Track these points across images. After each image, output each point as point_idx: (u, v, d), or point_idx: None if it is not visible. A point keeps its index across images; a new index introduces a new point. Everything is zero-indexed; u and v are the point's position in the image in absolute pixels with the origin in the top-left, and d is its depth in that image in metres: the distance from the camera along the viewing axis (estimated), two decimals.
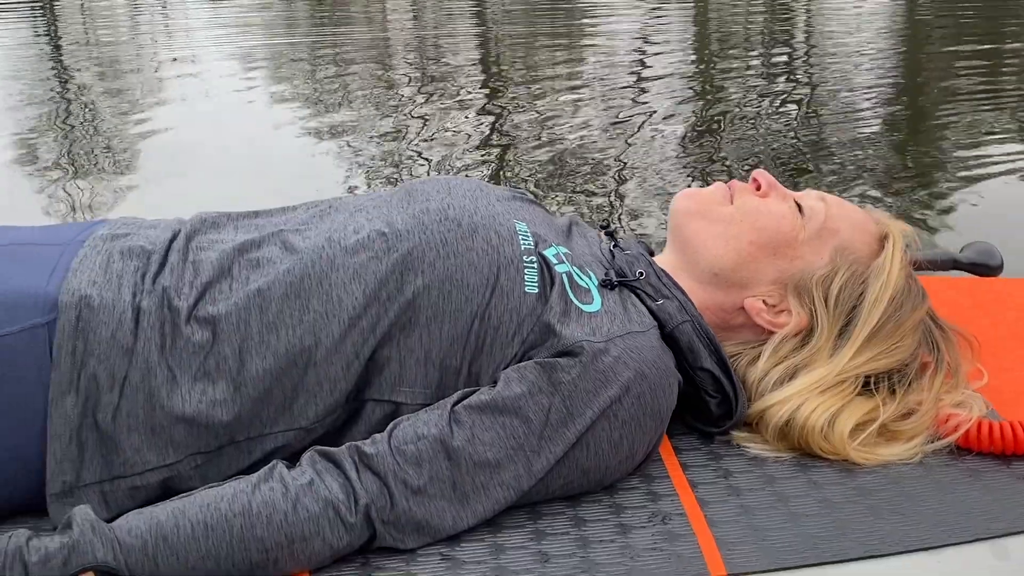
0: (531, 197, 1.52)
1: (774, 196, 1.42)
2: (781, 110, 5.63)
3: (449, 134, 5.27)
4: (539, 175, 4.57)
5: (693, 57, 7.39)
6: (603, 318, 1.28)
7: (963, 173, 4.50)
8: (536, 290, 1.28)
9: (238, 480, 1.18)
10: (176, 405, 1.23)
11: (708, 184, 1.46)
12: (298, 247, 1.32)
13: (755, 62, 7.20)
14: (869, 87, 6.16)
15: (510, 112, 5.72)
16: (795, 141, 5.05)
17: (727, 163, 4.70)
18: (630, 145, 4.99)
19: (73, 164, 4.99)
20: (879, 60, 7.07)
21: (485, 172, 4.63)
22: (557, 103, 5.85)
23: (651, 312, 1.34)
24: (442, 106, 5.81)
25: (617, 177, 4.55)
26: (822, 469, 1.30)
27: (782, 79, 6.50)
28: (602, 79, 6.54)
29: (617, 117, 5.53)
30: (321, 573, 1.17)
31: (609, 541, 1.19)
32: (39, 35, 9.06)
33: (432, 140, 5.17)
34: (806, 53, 7.60)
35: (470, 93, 6.24)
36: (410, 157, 4.89)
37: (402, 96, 6.18)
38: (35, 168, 4.89)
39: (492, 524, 1.22)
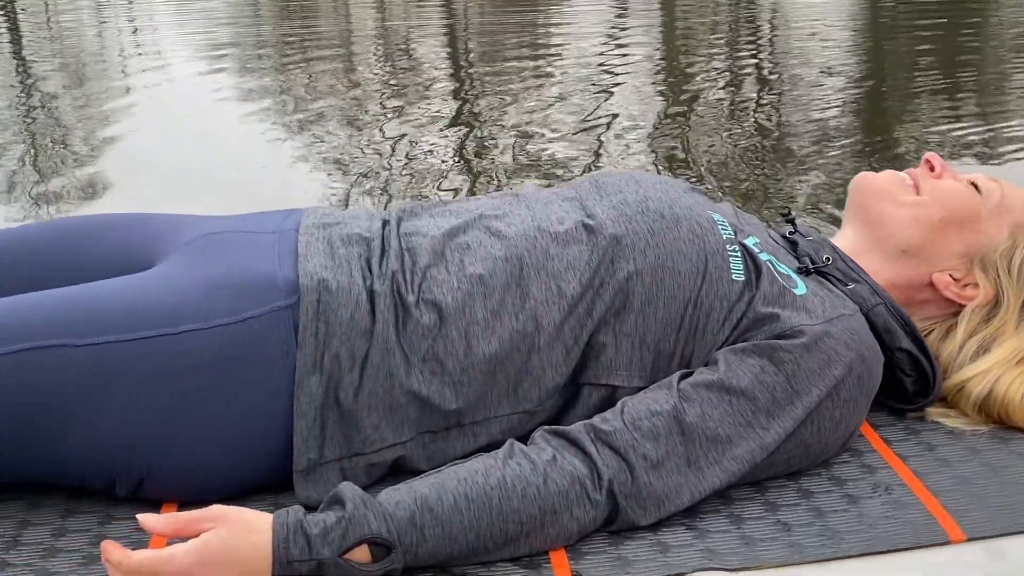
0: (702, 190, 1.58)
1: (947, 176, 1.49)
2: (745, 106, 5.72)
3: (417, 132, 5.27)
4: (510, 171, 4.60)
5: (660, 48, 7.47)
6: (813, 300, 1.34)
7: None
8: (743, 278, 1.34)
9: (483, 457, 1.22)
10: (412, 384, 1.28)
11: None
12: (505, 233, 1.36)
13: (720, 47, 7.29)
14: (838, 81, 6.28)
15: (477, 103, 5.74)
16: (762, 135, 5.13)
17: (695, 156, 4.77)
18: (599, 139, 5.05)
19: (36, 160, 4.93)
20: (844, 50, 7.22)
21: (458, 175, 4.66)
22: (527, 98, 5.87)
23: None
24: (411, 112, 5.78)
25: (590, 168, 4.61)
26: (1021, 441, 1.38)
27: (748, 73, 6.60)
28: (570, 69, 6.59)
29: (585, 110, 5.58)
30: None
31: (842, 511, 1.25)
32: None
33: (400, 138, 5.16)
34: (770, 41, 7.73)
35: (438, 87, 6.25)
36: (375, 157, 4.87)
37: (369, 94, 6.15)
38: None
39: (723, 497, 1.28)
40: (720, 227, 1.38)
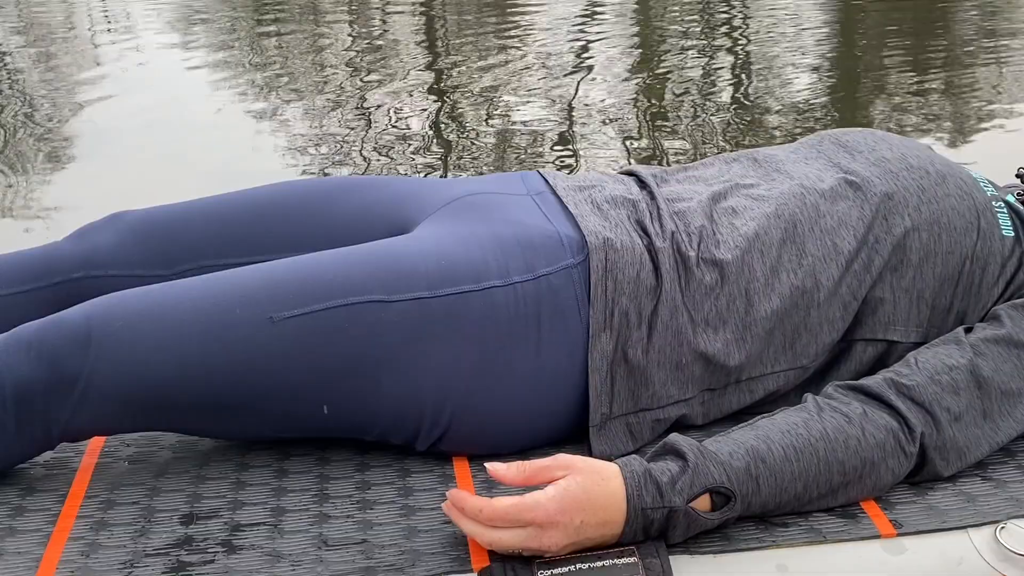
0: None
1: None
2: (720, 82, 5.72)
3: (393, 105, 5.22)
4: (486, 148, 4.58)
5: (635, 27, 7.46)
6: None
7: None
8: (1012, 233, 1.38)
9: (794, 410, 1.24)
10: (699, 343, 1.30)
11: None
12: (768, 195, 1.39)
13: (695, 29, 7.29)
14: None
15: (453, 80, 5.69)
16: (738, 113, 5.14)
17: (673, 136, 4.78)
18: (574, 112, 5.05)
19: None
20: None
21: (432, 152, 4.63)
22: (501, 75, 5.83)
23: None
24: (386, 82, 5.69)
25: (567, 145, 4.61)
26: None
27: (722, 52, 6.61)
28: (545, 46, 6.55)
29: (559, 84, 5.55)
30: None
31: None
32: None
33: (376, 109, 5.09)
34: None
35: (413, 63, 6.20)
36: (353, 134, 4.79)
37: (343, 70, 6.06)
38: None
39: (1003, 450, 1.31)
40: (982, 184, 1.41)
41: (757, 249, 1.33)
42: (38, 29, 7.36)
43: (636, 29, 6.93)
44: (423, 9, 7.74)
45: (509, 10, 7.56)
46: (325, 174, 4.23)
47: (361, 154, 4.51)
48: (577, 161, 4.36)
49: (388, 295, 1.25)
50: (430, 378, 1.25)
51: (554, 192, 1.43)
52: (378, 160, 4.42)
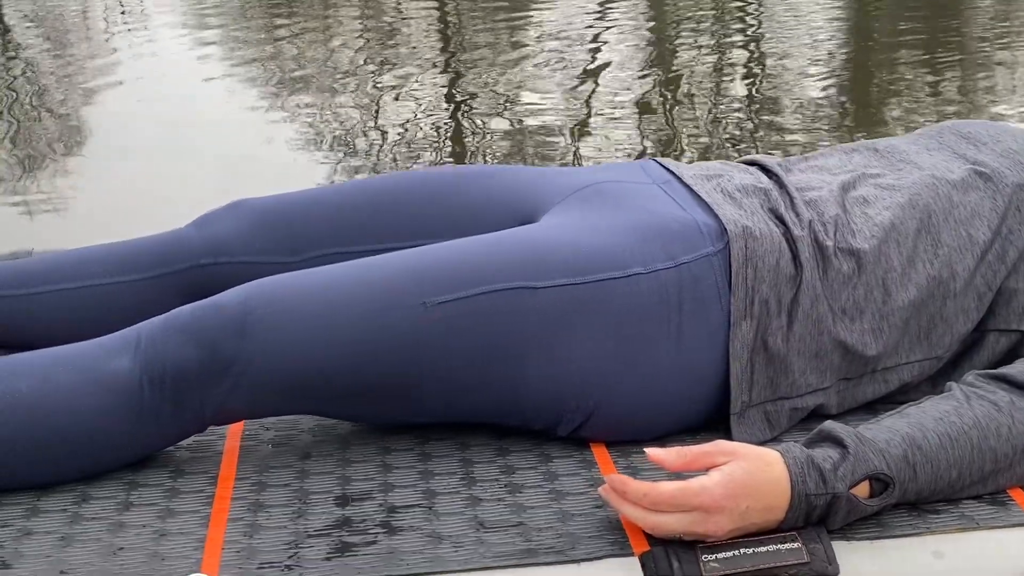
0: None
1: None
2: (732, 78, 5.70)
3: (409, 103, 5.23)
4: (498, 146, 4.58)
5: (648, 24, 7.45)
6: None
7: None
8: None
9: (941, 399, 1.24)
10: (839, 332, 1.31)
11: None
12: (898, 185, 1.39)
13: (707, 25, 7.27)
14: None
15: (465, 75, 5.68)
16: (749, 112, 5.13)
17: (688, 133, 4.77)
18: (587, 111, 5.05)
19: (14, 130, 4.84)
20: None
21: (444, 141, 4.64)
22: (515, 71, 5.82)
23: None
24: (401, 78, 5.66)
25: (575, 146, 4.61)
26: None
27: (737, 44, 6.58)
28: (557, 42, 6.54)
29: (574, 80, 5.54)
30: None
31: None
32: None
33: (390, 111, 5.09)
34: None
35: (428, 57, 6.20)
36: (362, 131, 4.80)
37: (357, 67, 6.05)
38: None
39: None
40: None
41: (893, 239, 1.34)
42: (52, 21, 7.36)
43: (651, 25, 6.93)
44: (436, 4, 7.74)
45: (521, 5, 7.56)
46: (333, 175, 4.22)
47: (372, 149, 4.51)
48: (578, 158, 4.38)
49: (534, 282, 1.25)
50: (574, 365, 1.26)
51: (680, 180, 1.44)
52: (388, 156, 4.42)
